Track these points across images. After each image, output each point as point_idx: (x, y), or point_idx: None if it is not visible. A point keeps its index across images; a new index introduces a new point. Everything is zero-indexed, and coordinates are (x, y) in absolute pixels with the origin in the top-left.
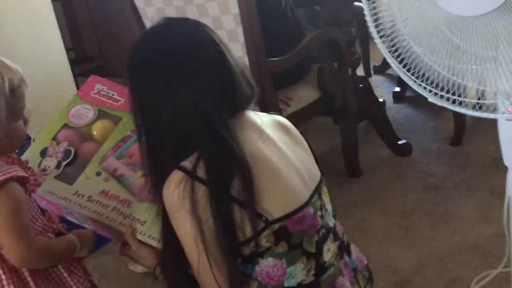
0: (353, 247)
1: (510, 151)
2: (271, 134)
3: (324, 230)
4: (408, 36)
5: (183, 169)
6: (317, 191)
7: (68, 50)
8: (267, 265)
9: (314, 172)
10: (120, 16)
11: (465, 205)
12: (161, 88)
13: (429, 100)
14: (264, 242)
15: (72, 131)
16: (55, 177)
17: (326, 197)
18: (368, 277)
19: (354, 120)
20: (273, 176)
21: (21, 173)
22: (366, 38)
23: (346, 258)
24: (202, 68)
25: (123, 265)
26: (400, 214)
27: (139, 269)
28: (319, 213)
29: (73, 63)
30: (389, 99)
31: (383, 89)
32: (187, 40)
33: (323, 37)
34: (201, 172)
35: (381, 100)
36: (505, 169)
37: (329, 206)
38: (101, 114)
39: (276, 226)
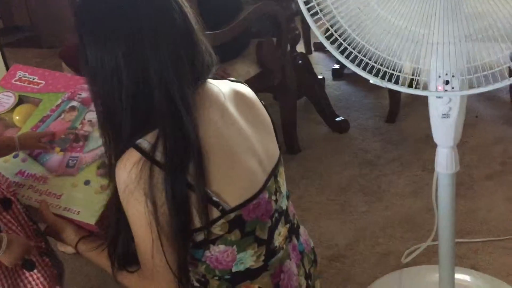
0: (302, 230)
1: (439, 128)
2: (232, 111)
3: (277, 215)
4: (338, 15)
5: (140, 150)
6: (273, 173)
7: None
8: (217, 251)
9: (273, 151)
10: None
11: (397, 180)
12: (117, 53)
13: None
14: (218, 230)
15: None
16: None
17: (282, 179)
18: (313, 259)
19: (293, 96)
20: (232, 162)
21: None
22: None
23: (295, 241)
24: (165, 31)
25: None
26: (337, 190)
27: (69, 249)
28: (273, 197)
29: (1, 32)
30: (328, 76)
31: (323, 66)
32: None
33: (261, 12)
34: (158, 154)
35: (320, 77)
36: (436, 145)
37: (284, 188)
38: (22, 99)
39: (232, 215)
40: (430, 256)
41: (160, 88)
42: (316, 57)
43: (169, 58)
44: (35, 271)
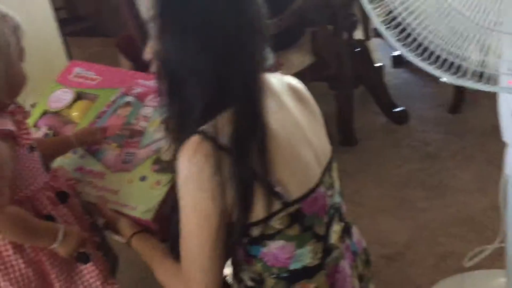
0: (354, 229)
1: (510, 126)
2: (288, 103)
3: (332, 211)
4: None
5: (204, 135)
6: (328, 167)
7: (59, 9)
8: (275, 248)
9: (326, 146)
10: None
11: (461, 175)
12: (198, 36)
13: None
14: (277, 224)
15: (52, 116)
16: None
17: (335, 174)
18: (365, 260)
19: (349, 86)
20: (292, 153)
21: (2, 126)
22: None
23: (348, 241)
24: (244, 15)
25: None
26: (394, 185)
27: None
28: (329, 192)
29: (64, 22)
30: (388, 63)
31: (382, 53)
32: None
33: (315, 0)
34: (224, 139)
35: (379, 64)
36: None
37: (337, 184)
38: (79, 95)
39: (292, 208)
40: (493, 260)
41: (239, 72)
42: (375, 44)
43: (247, 43)
44: (90, 263)
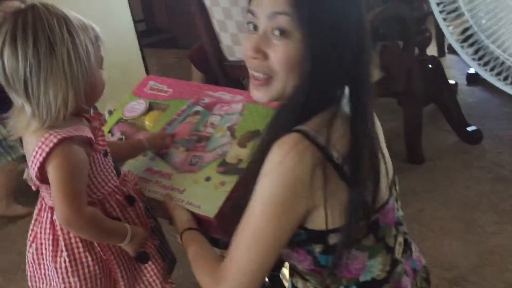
0: (414, 246)
1: None
2: None
3: (398, 224)
4: (471, 20)
5: (307, 135)
6: (394, 182)
7: (139, 21)
8: (349, 257)
9: (389, 159)
10: None
11: None
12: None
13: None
14: (356, 233)
15: (126, 124)
16: None
17: (398, 189)
18: (425, 278)
19: (418, 103)
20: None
21: (82, 133)
22: None
23: (409, 256)
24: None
25: None
26: (462, 207)
27: None
28: (396, 205)
29: (143, 34)
30: (462, 81)
31: (456, 70)
32: None
33: (388, 14)
34: (335, 152)
35: (452, 82)
36: None
37: (399, 198)
38: (152, 105)
39: (372, 218)
40: None
41: (356, 75)
42: (449, 60)
43: (364, 50)
44: (149, 263)
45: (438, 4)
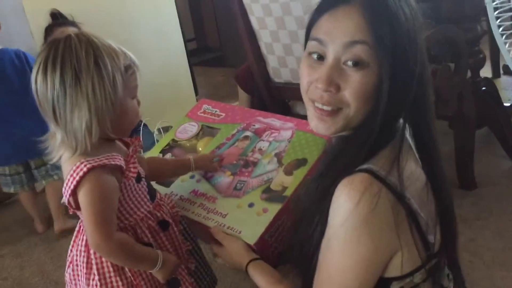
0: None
1: None
2: None
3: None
4: None
5: (376, 175)
6: None
7: (190, 40)
8: None
9: None
10: None
11: None
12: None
13: None
14: (418, 279)
15: (177, 146)
16: (156, 182)
17: None
18: None
19: (470, 127)
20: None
21: (112, 162)
22: None
23: None
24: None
25: None
26: None
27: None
28: None
29: (194, 52)
30: None
31: None
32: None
33: (438, 36)
34: (397, 186)
35: (507, 104)
36: None
37: None
38: (204, 129)
39: (433, 261)
40: None
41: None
42: (505, 82)
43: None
44: None
45: (497, 18)
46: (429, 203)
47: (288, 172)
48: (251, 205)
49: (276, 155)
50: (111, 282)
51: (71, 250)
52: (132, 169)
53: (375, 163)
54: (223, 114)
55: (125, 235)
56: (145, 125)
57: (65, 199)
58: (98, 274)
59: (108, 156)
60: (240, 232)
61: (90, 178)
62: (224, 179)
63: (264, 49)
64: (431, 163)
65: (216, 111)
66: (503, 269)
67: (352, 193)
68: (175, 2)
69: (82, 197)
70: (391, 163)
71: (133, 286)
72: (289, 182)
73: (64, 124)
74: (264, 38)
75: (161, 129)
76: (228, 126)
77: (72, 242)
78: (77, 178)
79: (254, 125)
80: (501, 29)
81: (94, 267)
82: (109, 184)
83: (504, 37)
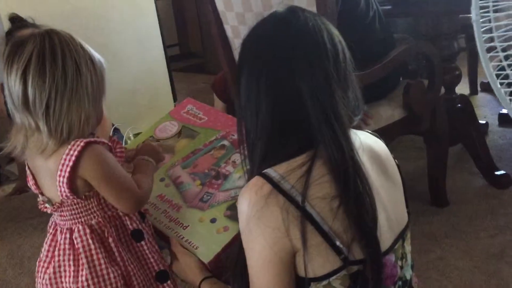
0: None
1: None
2: (366, 163)
3: (400, 283)
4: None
5: (267, 177)
6: (401, 237)
7: (173, 45)
8: None
9: (401, 214)
10: None
11: None
12: (264, 76)
13: None
14: (338, 284)
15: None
16: None
17: (408, 246)
18: None
19: (443, 143)
20: None
21: (101, 141)
22: (475, 51)
23: None
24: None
25: None
26: (485, 257)
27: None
28: (399, 262)
29: (177, 58)
30: (494, 121)
31: (488, 109)
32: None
33: (412, 52)
34: (291, 188)
35: (483, 122)
36: None
37: (409, 256)
38: (183, 130)
39: (354, 268)
40: None
41: (310, 119)
42: (481, 99)
43: (325, 92)
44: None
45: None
46: (341, 213)
47: None
48: (213, 220)
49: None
50: (102, 274)
51: (47, 255)
52: (118, 154)
53: (277, 169)
54: (206, 118)
55: (135, 177)
56: (117, 129)
57: (59, 188)
58: (89, 268)
59: (96, 139)
60: (196, 248)
61: (90, 151)
62: (193, 188)
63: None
64: (342, 178)
65: (199, 114)
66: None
67: (246, 195)
68: (158, 7)
69: (90, 171)
70: (291, 170)
71: (124, 276)
72: None
73: (58, 117)
74: (237, 47)
75: (131, 137)
76: (207, 132)
77: (46, 247)
78: (76, 153)
79: (233, 135)
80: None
81: (84, 260)
82: (108, 154)
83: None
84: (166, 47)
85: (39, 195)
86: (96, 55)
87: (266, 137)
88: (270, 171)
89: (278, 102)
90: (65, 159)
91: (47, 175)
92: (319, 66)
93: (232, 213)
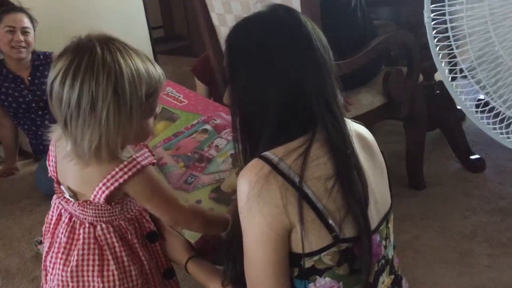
0: (404, 282)
1: None
2: (356, 147)
3: (383, 261)
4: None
5: (266, 159)
6: (385, 218)
7: (157, 27)
8: (323, 285)
9: (386, 196)
10: None
11: None
12: (265, 71)
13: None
14: (328, 259)
15: None
16: None
17: (391, 226)
18: None
19: (421, 129)
20: None
21: (153, 160)
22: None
23: None
24: (306, 58)
25: None
26: (458, 237)
27: None
28: (383, 242)
29: (162, 40)
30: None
31: (466, 96)
32: (283, 23)
33: (392, 41)
34: (291, 172)
35: (459, 107)
36: None
37: (392, 237)
38: (163, 112)
39: (343, 246)
40: None
41: (306, 105)
42: (460, 86)
43: (311, 80)
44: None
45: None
46: (335, 193)
47: None
48: (198, 202)
49: (232, 155)
50: (125, 271)
51: (65, 247)
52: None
53: (275, 152)
54: (186, 101)
55: (192, 204)
56: None
57: (97, 195)
58: (115, 264)
59: (144, 153)
60: (182, 228)
61: (144, 175)
62: (177, 169)
63: (223, 46)
64: (338, 158)
65: (179, 96)
66: (443, 266)
67: (246, 176)
68: None
69: (139, 192)
70: (288, 152)
71: (143, 274)
72: None
73: (74, 138)
74: (224, 34)
75: None
76: (188, 115)
77: (65, 239)
78: (130, 174)
79: (215, 120)
80: (437, 48)
81: (110, 256)
82: (156, 174)
83: (440, 56)
84: (151, 29)
85: (61, 185)
86: (144, 81)
87: (268, 123)
88: (268, 153)
89: (281, 90)
90: (116, 173)
91: (74, 172)
92: (315, 54)
93: (217, 195)
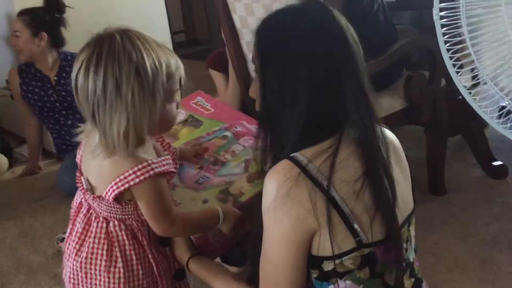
0: (424, 285)
1: None
2: None
3: (404, 264)
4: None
5: (295, 161)
6: (407, 221)
7: (179, 32)
8: (343, 287)
9: (409, 199)
10: None
11: None
12: (295, 68)
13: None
14: (349, 263)
15: None
16: None
17: (413, 230)
18: None
19: (443, 134)
20: None
21: (171, 168)
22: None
23: None
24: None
25: None
26: (480, 243)
27: None
28: (405, 245)
29: (183, 45)
30: (494, 113)
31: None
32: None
33: (414, 45)
34: (319, 175)
35: None
36: None
37: (413, 240)
38: (190, 118)
39: (366, 250)
40: None
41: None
42: (483, 91)
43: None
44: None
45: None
46: (363, 193)
47: (250, 180)
48: (205, 201)
49: (245, 161)
50: (132, 270)
51: (80, 238)
52: (174, 174)
53: (303, 153)
54: (212, 110)
55: (181, 213)
56: None
57: (108, 192)
58: (122, 262)
59: (163, 159)
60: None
61: (155, 182)
62: (191, 170)
63: (245, 48)
64: (369, 160)
65: (207, 105)
66: (463, 272)
67: (275, 177)
68: None
69: (143, 196)
70: (317, 154)
71: (151, 274)
72: (247, 189)
73: (103, 127)
74: (245, 37)
75: None
76: (212, 122)
77: (80, 229)
78: (142, 178)
79: (236, 128)
80: (447, 44)
81: (118, 254)
82: (166, 185)
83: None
84: (172, 33)
85: (81, 177)
86: (163, 66)
87: (297, 123)
88: (298, 155)
89: (316, 89)
90: (129, 175)
91: (95, 165)
92: (352, 50)
93: (224, 197)
